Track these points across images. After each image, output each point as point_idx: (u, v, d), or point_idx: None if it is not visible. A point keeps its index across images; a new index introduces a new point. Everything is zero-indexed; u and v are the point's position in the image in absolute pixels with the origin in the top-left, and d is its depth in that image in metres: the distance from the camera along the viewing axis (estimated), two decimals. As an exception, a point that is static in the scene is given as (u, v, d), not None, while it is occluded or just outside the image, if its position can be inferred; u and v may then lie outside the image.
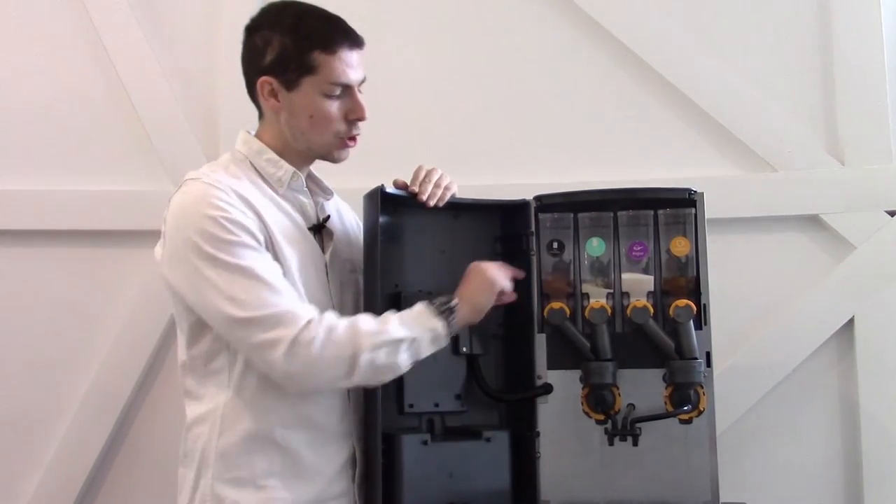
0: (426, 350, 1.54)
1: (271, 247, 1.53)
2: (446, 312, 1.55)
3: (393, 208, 1.72)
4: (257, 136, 1.66)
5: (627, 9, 2.35)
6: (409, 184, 1.70)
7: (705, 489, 1.69)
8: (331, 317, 1.49)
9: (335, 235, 1.69)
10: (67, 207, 2.43)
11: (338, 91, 1.58)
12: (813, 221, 2.27)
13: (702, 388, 1.69)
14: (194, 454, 1.56)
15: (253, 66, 1.61)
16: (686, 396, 1.68)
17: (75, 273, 2.45)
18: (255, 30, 1.62)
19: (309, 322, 1.45)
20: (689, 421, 1.70)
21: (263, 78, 1.59)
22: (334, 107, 1.58)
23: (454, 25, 2.44)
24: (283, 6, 1.63)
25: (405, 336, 1.50)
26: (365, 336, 1.48)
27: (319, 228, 1.67)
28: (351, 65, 1.58)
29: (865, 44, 2.27)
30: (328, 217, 1.69)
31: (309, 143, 1.62)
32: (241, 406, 1.54)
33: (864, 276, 2.22)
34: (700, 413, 1.69)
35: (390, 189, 1.66)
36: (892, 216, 2.22)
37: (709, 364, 1.70)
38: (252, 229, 1.50)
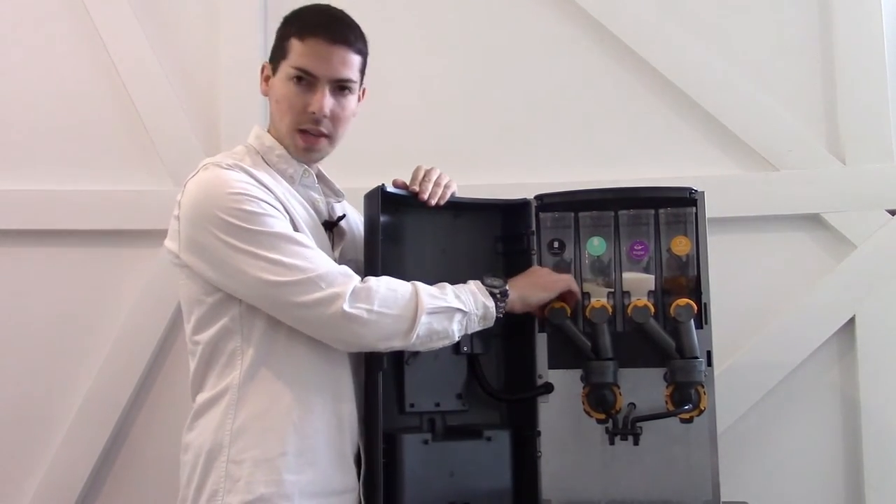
0: (475, 326, 1.58)
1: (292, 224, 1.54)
2: (499, 296, 1.59)
3: (393, 208, 1.72)
4: (268, 130, 1.68)
5: (628, 8, 2.35)
6: (408, 183, 1.70)
7: (706, 488, 1.68)
8: (375, 280, 1.51)
9: (345, 236, 1.70)
10: (67, 207, 2.43)
11: (301, 77, 1.58)
12: (814, 220, 2.27)
13: (702, 387, 1.69)
14: (204, 438, 1.54)
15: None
16: (687, 396, 1.68)
17: (75, 273, 2.45)
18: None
19: (363, 279, 1.50)
20: (689, 420, 1.70)
21: (263, 62, 1.65)
22: (296, 94, 1.59)
23: (454, 25, 2.44)
24: (310, 4, 1.67)
25: (460, 307, 1.54)
26: (425, 297, 1.51)
27: (331, 226, 1.68)
28: (320, 56, 1.58)
29: (866, 43, 2.27)
30: (343, 216, 1.70)
31: (277, 132, 1.64)
32: (254, 390, 1.53)
33: (864, 275, 2.22)
34: (701, 412, 1.69)
35: (391, 188, 1.66)
36: (893, 215, 2.22)
37: (709, 363, 1.70)
38: (274, 204, 1.52)
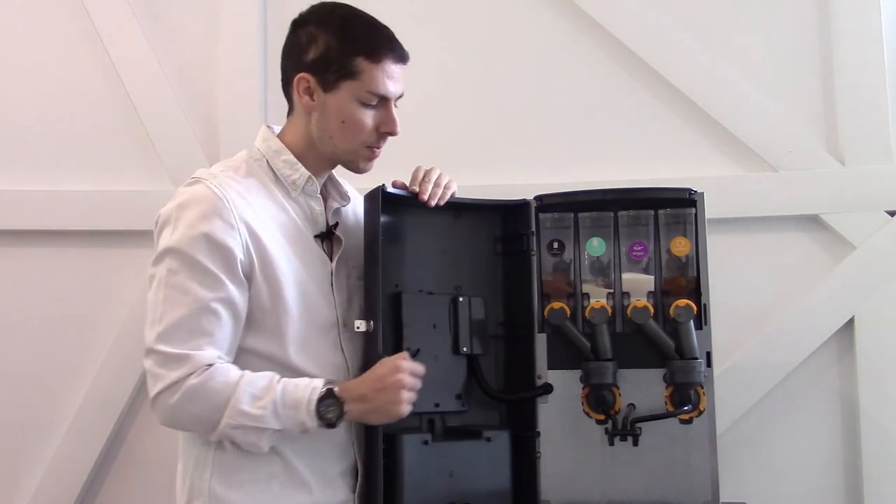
0: (296, 437, 1.51)
1: (258, 264, 1.51)
2: (329, 416, 1.46)
3: (393, 209, 1.72)
4: (281, 133, 1.64)
5: (628, 9, 2.35)
6: (408, 184, 1.70)
7: (705, 489, 1.69)
8: (214, 371, 1.45)
9: (345, 242, 1.66)
10: (67, 207, 2.43)
11: (374, 101, 1.55)
12: (813, 221, 2.27)
13: (702, 388, 1.69)
14: (190, 452, 1.55)
15: (293, 61, 1.58)
16: (686, 396, 1.68)
17: (75, 273, 2.45)
18: (302, 25, 1.59)
19: (192, 373, 1.43)
20: (689, 421, 1.70)
21: (302, 74, 1.55)
22: (368, 116, 1.56)
23: (454, 25, 2.44)
24: (334, 6, 1.60)
25: (273, 427, 1.46)
26: (233, 411, 1.44)
27: (328, 235, 1.65)
28: (392, 77, 1.56)
29: (865, 44, 2.27)
30: (336, 224, 1.67)
31: (334, 148, 1.59)
32: None
33: (864, 276, 2.22)
34: (700, 413, 1.69)
35: (391, 189, 1.66)
36: (892, 216, 2.22)
37: (709, 364, 1.70)
38: (233, 250, 1.48)
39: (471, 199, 1.79)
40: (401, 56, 1.58)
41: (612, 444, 1.70)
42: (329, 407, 1.46)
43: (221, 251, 1.47)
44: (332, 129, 1.57)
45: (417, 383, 1.51)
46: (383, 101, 1.57)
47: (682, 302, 1.69)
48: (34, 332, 2.44)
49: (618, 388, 1.71)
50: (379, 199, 1.62)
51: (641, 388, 1.72)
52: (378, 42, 1.55)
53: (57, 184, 2.45)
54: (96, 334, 2.42)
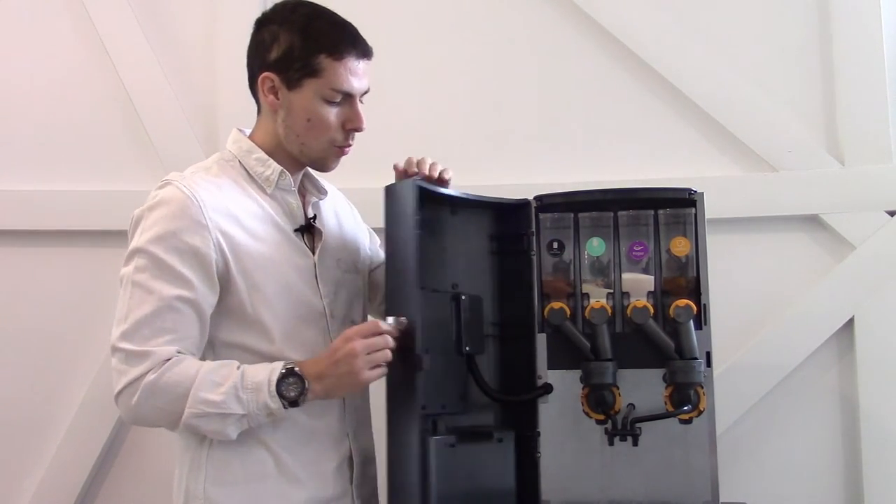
0: (264, 421, 1.48)
1: (233, 263, 1.51)
2: (291, 394, 1.46)
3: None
4: (251, 134, 1.65)
5: (628, 9, 2.35)
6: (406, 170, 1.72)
7: (705, 489, 1.68)
8: (174, 363, 1.46)
9: (325, 235, 1.67)
10: (67, 207, 2.43)
11: (339, 98, 1.56)
12: (813, 221, 2.27)
13: (702, 388, 1.69)
14: (185, 455, 1.56)
15: (257, 60, 1.60)
16: (686, 396, 1.68)
17: (75, 273, 2.45)
18: (265, 24, 1.61)
19: (152, 368, 1.45)
20: (689, 421, 1.70)
21: (266, 73, 1.57)
22: (333, 113, 1.57)
23: (454, 25, 2.44)
24: (297, 5, 1.61)
25: (236, 412, 1.45)
26: (194, 400, 1.44)
27: (308, 228, 1.65)
28: (356, 74, 1.57)
29: (865, 44, 2.27)
30: (314, 217, 1.67)
31: (301, 147, 1.60)
32: None
33: (864, 276, 2.22)
34: (700, 413, 1.69)
35: (425, 185, 1.63)
36: (892, 216, 2.22)
37: (709, 364, 1.70)
38: (203, 251, 1.48)
39: (471, 196, 1.79)
40: (364, 52, 1.58)
41: (611, 444, 1.70)
42: (290, 385, 1.45)
43: (189, 250, 1.48)
44: (299, 127, 1.58)
45: (378, 344, 1.47)
46: (348, 98, 1.58)
47: (682, 302, 1.69)
48: (34, 332, 2.44)
49: (618, 388, 1.71)
50: (413, 195, 1.58)
51: (641, 388, 1.72)
52: (340, 39, 1.56)
53: (57, 184, 2.46)
54: (96, 334, 2.42)
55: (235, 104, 2.43)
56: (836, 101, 2.28)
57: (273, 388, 1.45)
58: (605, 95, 2.38)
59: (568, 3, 2.36)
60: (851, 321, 2.22)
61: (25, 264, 2.46)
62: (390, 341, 1.49)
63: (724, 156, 2.32)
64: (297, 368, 1.47)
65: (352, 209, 1.85)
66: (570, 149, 2.37)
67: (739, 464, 2.22)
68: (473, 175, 2.23)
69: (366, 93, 1.62)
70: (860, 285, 2.22)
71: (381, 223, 1.63)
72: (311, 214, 1.67)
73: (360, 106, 1.60)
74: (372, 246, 1.87)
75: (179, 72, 2.48)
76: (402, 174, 1.72)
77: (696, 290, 1.72)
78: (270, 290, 1.54)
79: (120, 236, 2.43)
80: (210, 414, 1.44)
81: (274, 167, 1.61)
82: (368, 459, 1.70)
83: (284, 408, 1.46)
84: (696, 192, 1.75)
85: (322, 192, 1.72)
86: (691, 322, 1.69)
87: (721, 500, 1.68)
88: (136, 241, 1.51)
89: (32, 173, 2.48)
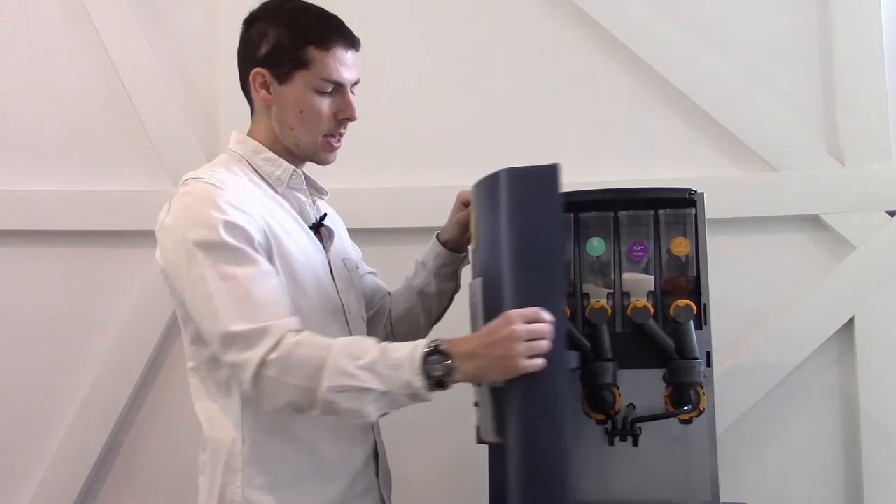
0: (405, 403, 1.39)
1: (275, 248, 1.51)
2: (438, 373, 1.36)
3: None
4: (250, 134, 1.66)
5: (627, 8, 2.35)
6: None
7: (705, 489, 1.68)
8: (304, 337, 1.40)
9: (335, 234, 1.70)
10: (67, 207, 2.43)
11: (329, 88, 1.58)
12: (813, 221, 2.27)
13: (702, 388, 1.69)
14: (217, 462, 1.53)
15: (247, 59, 1.62)
16: (686, 396, 1.68)
17: (75, 273, 2.45)
18: (252, 23, 1.63)
19: (279, 342, 1.38)
20: (689, 421, 1.70)
21: (256, 69, 1.59)
22: (325, 104, 1.58)
23: (453, 24, 2.44)
24: (282, 1, 1.63)
25: (374, 388, 1.36)
26: (332, 372, 1.37)
27: (317, 227, 1.67)
28: (345, 63, 1.58)
29: (865, 44, 2.27)
30: (325, 215, 1.69)
31: (296, 140, 1.61)
32: (257, 412, 1.50)
33: (864, 276, 2.22)
34: (700, 413, 1.69)
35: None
36: (892, 216, 2.22)
37: (709, 364, 1.70)
38: (253, 233, 1.48)
39: None
40: (351, 42, 1.60)
41: (611, 444, 1.70)
42: (435, 364, 1.35)
43: (243, 233, 1.46)
44: (292, 120, 1.59)
45: (540, 332, 1.36)
46: (339, 88, 1.59)
47: (682, 302, 1.69)
48: (34, 332, 2.44)
49: (618, 388, 1.71)
50: (556, 179, 1.49)
51: (641, 388, 1.72)
52: (327, 30, 1.58)
53: (57, 184, 2.46)
54: (96, 334, 2.42)
55: (235, 104, 2.42)
56: (836, 100, 2.28)
57: (417, 365, 1.36)
58: (605, 96, 2.37)
59: (569, 2, 2.36)
60: (851, 321, 2.22)
61: (25, 264, 2.46)
62: (552, 331, 1.38)
63: (724, 156, 2.32)
64: (443, 346, 1.38)
65: (332, 209, 1.85)
66: (570, 149, 2.36)
67: (739, 464, 2.22)
68: (474, 175, 2.23)
69: (356, 83, 1.62)
70: (860, 285, 2.22)
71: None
72: (320, 214, 1.68)
73: (350, 96, 1.60)
74: (357, 252, 1.88)
75: (179, 72, 2.48)
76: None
77: (696, 290, 1.72)
78: (305, 280, 1.54)
79: (120, 236, 2.46)
80: (349, 388, 1.35)
81: (285, 166, 1.61)
82: (384, 452, 1.72)
83: (429, 389, 1.36)
84: (696, 192, 1.75)
85: (323, 192, 1.72)
86: (691, 322, 1.68)
87: (721, 500, 1.68)
88: (191, 238, 1.45)
89: (32, 173, 2.48)
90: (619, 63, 2.36)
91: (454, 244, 1.82)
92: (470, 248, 1.72)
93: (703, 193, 1.75)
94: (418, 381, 1.35)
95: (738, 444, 2.21)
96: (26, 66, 2.51)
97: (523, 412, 1.40)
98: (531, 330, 1.36)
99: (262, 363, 1.37)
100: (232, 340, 1.40)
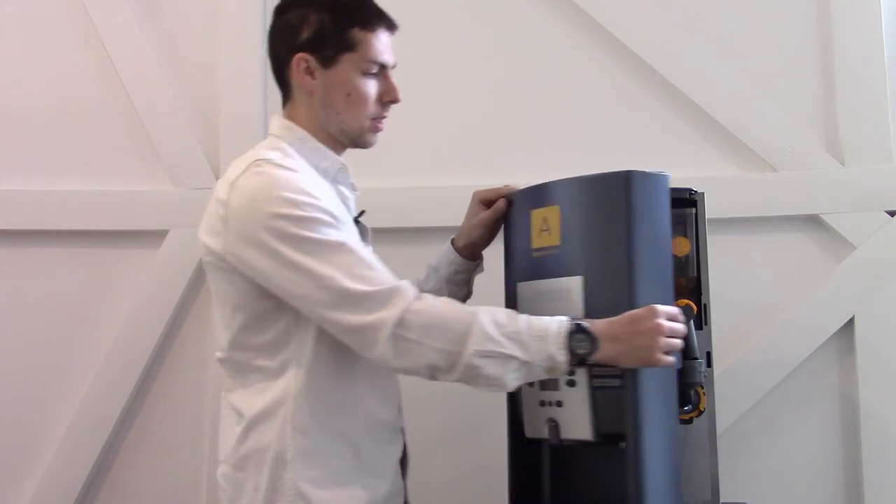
0: (539, 376, 1.43)
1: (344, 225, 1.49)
2: (581, 351, 1.39)
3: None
4: (290, 119, 1.61)
5: (627, 9, 2.35)
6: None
7: (705, 489, 1.68)
8: (438, 300, 1.41)
9: (370, 230, 1.68)
10: (67, 207, 2.43)
11: (375, 69, 1.57)
12: (813, 221, 2.27)
13: (702, 388, 1.69)
14: (264, 454, 1.47)
15: (286, 44, 1.57)
16: (686, 396, 1.67)
17: (75, 273, 2.45)
18: (288, 9, 1.60)
19: (412, 302, 1.38)
20: (689, 421, 1.69)
21: (299, 55, 1.55)
22: (371, 86, 1.57)
23: (454, 25, 2.43)
24: None
25: (518, 356, 1.38)
26: (479, 337, 1.37)
27: (357, 222, 1.63)
28: (387, 45, 1.59)
29: (865, 44, 2.27)
30: (363, 212, 1.66)
31: (342, 125, 1.58)
32: (312, 401, 1.47)
33: (864, 276, 2.22)
34: (700, 413, 1.69)
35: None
36: (892, 216, 2.22)
37: (709, 364, 1.70)
38: (331, 209, 1.46)
39: None
40: (391, 24, 1.61)
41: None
42: (581, 341, 1.39)
43: (328, 212, 1.45)
44: (339, 104, 1.57)
45: (679, 331, 1.44)
46: (382, 70, 1.59)
47: (682, 302, 1.68)
48: (34, 332, 2.44)
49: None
50: (668, 189, 1.54)
51: (641, 388, 1.72)
52: (370, 12, 1.58)
53: (57, 184, 2.45)
54: (96, 334, 2.42)
55: (235, 104, 2.45)
56: (836, 100, 2.28)
57: (562, 339, 1.39)
58: (605, 96, 2.37)
59: (569, 3, 2.36)
60: (851, 321, 2.22)
61: (25, 264, 2.46)
62: (684, 332, 1.46)
63: (724, 156, 2.32)
64: (586, 325, 1.41)
65: None
66: (571, 148, 2.36)
67: (739, 464, 2.22)
68: (474, 175, 2.23)
69: (394, 67, 1.62)
70: (860, 285, 2.22)
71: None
72: (359, 209, 1.66)
73: (392, 79, 1.60)
74: None
75: (179, 72, 2.47)
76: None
77: (696, 290, 1.72)
78: None
79: (120, 236, 2.46)
80: (495, 354, 1.37)
81: (333, 159, 1.59)
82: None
83: (570, 364, 1.39)
84: (696, 192, 1.75)
85: (355, 189, 1.68)
86: (692, 322, 1.68)
87: (721, 499, 1.68)
88: (274, 215, 1.41)
89: (31, 173, 2.47)
90: (620, 64, 2.36)
91: (470, 250, 1.79)
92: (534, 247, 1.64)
93: (703, 193, 1.75)
94: (562, 356, 1.39)
95: (738, 444, 2.21)
96: (26, 67, 2.50)
97: (651, 407, 1.47)
98: (671, 328, 1.43)
99: (399, 323, 1.37)
100: (359, 302, 1.38)
